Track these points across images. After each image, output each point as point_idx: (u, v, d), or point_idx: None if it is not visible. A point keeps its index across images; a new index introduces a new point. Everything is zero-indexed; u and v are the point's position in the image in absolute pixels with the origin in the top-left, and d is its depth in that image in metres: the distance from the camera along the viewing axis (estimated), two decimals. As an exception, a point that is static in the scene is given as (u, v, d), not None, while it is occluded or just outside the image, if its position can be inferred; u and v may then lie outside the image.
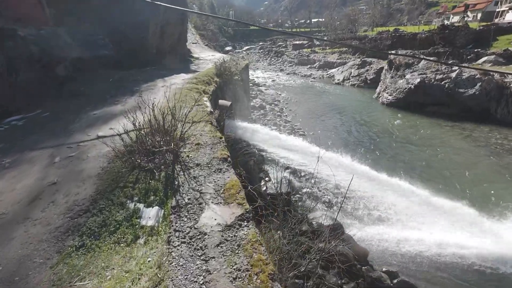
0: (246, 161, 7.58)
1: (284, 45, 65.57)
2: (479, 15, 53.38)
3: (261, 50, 64.85)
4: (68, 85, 7.24)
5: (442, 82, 21.93)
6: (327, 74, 41.04)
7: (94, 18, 11.93)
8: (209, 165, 3.53)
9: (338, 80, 36.59)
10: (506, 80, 20.08)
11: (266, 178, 9.04)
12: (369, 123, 19.98)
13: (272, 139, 9.77)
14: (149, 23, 14.63)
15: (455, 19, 58.55)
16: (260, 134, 9.36)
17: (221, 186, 3.06)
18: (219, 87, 9.31)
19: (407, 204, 10.27)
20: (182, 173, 3.38)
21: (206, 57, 18.70)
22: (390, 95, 24.91)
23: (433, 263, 8.06)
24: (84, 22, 10.98)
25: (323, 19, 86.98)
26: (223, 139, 4.22)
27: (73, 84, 7.36)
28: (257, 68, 47.49)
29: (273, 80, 37.54)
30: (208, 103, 6.29)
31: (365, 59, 37.32)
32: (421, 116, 21.19)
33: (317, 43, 57.91)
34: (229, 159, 3.69)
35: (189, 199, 2.88)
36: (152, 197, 3.12)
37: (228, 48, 52.26)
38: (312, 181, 9.43)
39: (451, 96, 21.13)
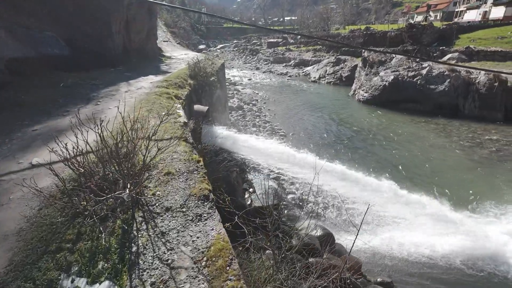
0: (228, 174, 6.70)
1: (258, 43, 65.01)
2: (440, 15, 56.66)
3: (236, 48, 63.73)
4: (3, 92, 5.79)
5: (414, 79, 22.50)
6: (303, 72, 41.06)
7: (42, 11, 10.24)
8: (184, 209, 2.55)
9: (314, 78, 36.67)
10: (471, 76, 20.99)
11: (251, 190, 8.24)
12: (347, 122, 19.92)
13: (255, 148, 8.98)
14: (112, 18, 13.08)
15: (419, 18, 61.69)
16: (242, 143, 8.52)
17: (202, 252, 2.08)
18: (193, 90, 8.27)
19: (385, 203, 10.06)
20: (145, 226, 2.35)
21: (179, 56, 17.37)
22: (366, 92, 25.18)
23: (417, 265, 7.84)
24: (29, 16, 9.32)
25: (296, 17, 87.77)
26: (202, 163, 3.27)
27: (9, 92, 5.90)
28: (233, 67, 46.38)
29: (249, 79, 36.75)
30: (181, 112, 5.28)
31: (339, 56, 37.77)
32: (397, 113, 21.56)
33: (292, 41, 57.96)
34: (211, 195, 2.75)
35: (152, 284, 1.90)
36: (100, 263, 2.07)
37: (201, 46, 50.48)
38: (310, 195, 8.75)
39: (423, 92, 21.71)
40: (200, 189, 2.81)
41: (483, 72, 20.44)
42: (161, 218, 2.49)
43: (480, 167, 13.19)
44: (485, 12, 44.96)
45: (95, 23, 12.02)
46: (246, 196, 7.72)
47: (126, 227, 2.29)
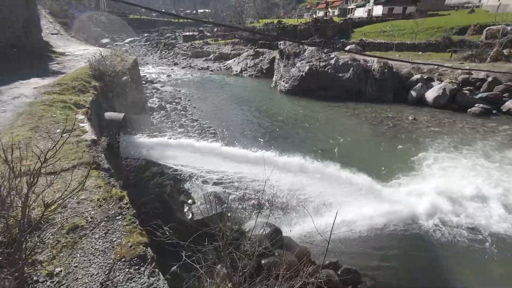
0: (161, 191, 5.70)
1: (173, 36, 60.98)
2: (337, 11, 64.76)
3: (148, 43, 58.17)
4: None
5: (326, 69, 24.92)
6: (225, 66, 40.64)
7: None
8: (108, 290, 1.63)
9: (236, 71, 36.73)
10: (368, 64, 24.58)
11: (189, 201, 7.37)
12: (273, 113, 20.62)
13: (188, 152, 8.05)
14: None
15: (320, 13, 69.01)
16: (172, 149, 7.47)
17: None
18: (101, 94, 6.69)
19: (316, 185, 10.71)
20: None
21: (76, 52, 14.28)
22: (286, 83, 26.56)
23: (356, 237, 8.57)
24: None
25: (210, 10, 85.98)
26: (127, 200, 2.35)
27: None
28: (147, 63, 42.14)
29: (168, 76, 34.06)
30: (86, 125, 3.99)
31: (257, 49, 38.83)
32: (315, 100, 23.51)
33: (208, 34, 56.48)
34: (148, 252, 1.90)
35: None
36: None
37: (105, 41, 43.77)
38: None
39: (334, 80, 24.32)
40: (131, 246, 1.89)
41: (376, 60, 24.21)
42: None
43: (384, 141, 15.54)
44: (369, 10, 53.62)
45: None
46: (186, 209, 6.85)
47: None
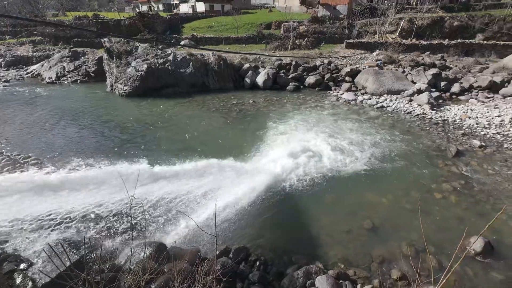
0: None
1: None
2: (161, 6, 63.06)
3: None
4: None
5: (166, 65, 24.14)
6: (29, 73, 30.72)
7: None
8: None
9: (51, 78, 28.72)
10: (205, 58, 25.95)
11: (22, 266, 5.11)
12: (120, 120, 17.99)
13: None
14: None
15: (144, 8, 64.88)
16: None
17: None
18: None
19: (188, 183, 10.77)
20: None
21: None
22: (125, 86, 23.68)
23: (241, 214, 9.28)
24: None
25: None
26: None
27: None
28: None
29: None
30: None
31: (75, 49, 31.85)
32: (163, 99, 22.49)
33: (-15, 30, 39.94)
34: None
35: None
36: None
37: None
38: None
39: (177, 76, 24.09)
40: None
41: (211, 53, 25.92)
42: None
43: (236, 125, 17.23)
44: (193, 6, 55.92)
45: None
46: (19, 280, 4.73)
47: None
